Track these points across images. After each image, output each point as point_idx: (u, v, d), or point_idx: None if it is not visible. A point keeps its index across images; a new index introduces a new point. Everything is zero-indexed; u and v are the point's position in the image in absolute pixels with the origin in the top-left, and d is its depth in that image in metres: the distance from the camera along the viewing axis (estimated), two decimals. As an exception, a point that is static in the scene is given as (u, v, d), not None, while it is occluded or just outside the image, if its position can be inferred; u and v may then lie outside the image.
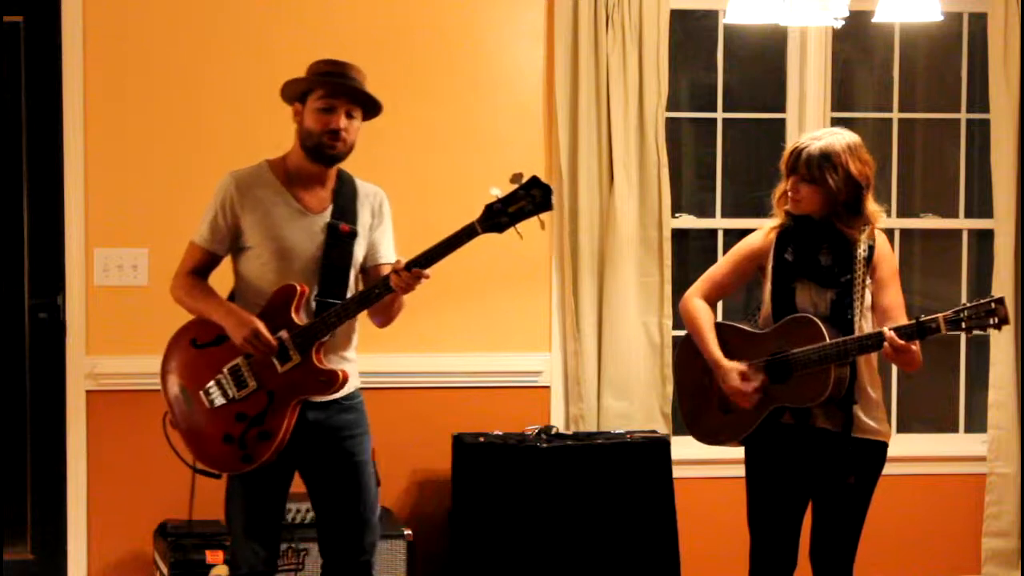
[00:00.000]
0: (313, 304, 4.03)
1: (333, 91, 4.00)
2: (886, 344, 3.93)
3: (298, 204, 4.06)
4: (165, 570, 4.87)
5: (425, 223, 5.19)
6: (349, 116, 4.02)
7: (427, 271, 3.90)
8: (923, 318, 3.92)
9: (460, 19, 5.39)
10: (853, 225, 4.09)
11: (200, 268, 4.11)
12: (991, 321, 3.87)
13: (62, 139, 5.16)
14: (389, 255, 4.20)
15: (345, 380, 4.04)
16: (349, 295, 4.07)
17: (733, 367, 4.18)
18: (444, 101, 5.38)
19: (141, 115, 5.21)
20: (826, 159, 4.04)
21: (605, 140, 5.37)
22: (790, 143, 4.22)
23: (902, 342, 3.93)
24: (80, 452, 5.22)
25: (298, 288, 3.99)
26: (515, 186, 3.86)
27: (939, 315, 3.91)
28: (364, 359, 5.16)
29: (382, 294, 3.96)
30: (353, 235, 4.09)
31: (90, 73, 5.16)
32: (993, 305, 3.87)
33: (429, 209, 5.31)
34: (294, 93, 4.06)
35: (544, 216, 3.92)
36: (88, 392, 5.20)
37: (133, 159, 5.20)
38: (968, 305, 3.90)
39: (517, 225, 3.89)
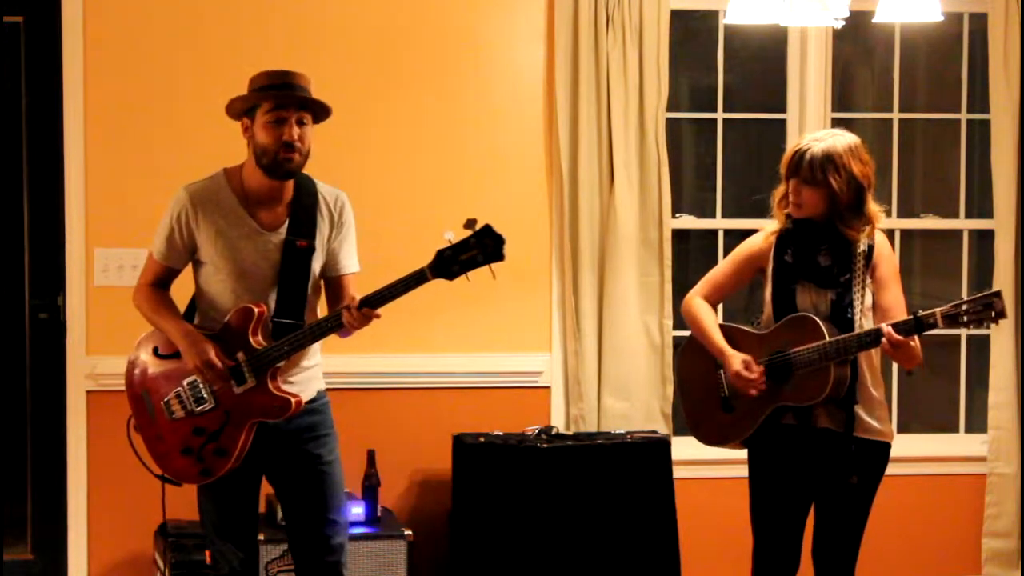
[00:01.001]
0: (271, 324, 4.00)
1: (281, 102, 3.95)
2: (884, 340, 3.93)
3: (254, 223, 4.02)
4: (165, 570, 4.87)
5: (425, 224, 5.22)
6: (300, 123, 3.97)
7: (378, 311, 3.87)
8: (921, 313, 3.92)
9: (460, 19, 5.38)
10: (854, 226, 4.08)
11: (159, 281, 4.12)
12: (989, 315, 3.86)
13: (62, 139, 5.16)
14: (350, 264, 4.15)
15: (299, 406, 4.01)
16: (307, 309, 4.06)
17: (737, 354, 4.18)
18: (444, 101, 5.38)
19: (141, 115, 5.20)
20: (829, 161, 4.03)
21: (605, 140, 5.37)
22: (790, 145, 4.21)
23: (900, 337, 3.92)
24: (80, 452, 5.22)
25: (256, 311, 3.97)
26: (468, 232, 3.79)
27: (936, 310, 3.91)
28: (364, 359, 5.20)
29: (334, 328, 3.94)
30: (310, 250, 4.04)
31: (90, 73, 5.15)
32: (991, 299, 3.87)
33: (429, 209, 5.31)
34: (240, 110, 4.03)
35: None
36: (88, 392, 5.20)
37: (133, 159, 5.20)
38: (965, 299, 3.89)
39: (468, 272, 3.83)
